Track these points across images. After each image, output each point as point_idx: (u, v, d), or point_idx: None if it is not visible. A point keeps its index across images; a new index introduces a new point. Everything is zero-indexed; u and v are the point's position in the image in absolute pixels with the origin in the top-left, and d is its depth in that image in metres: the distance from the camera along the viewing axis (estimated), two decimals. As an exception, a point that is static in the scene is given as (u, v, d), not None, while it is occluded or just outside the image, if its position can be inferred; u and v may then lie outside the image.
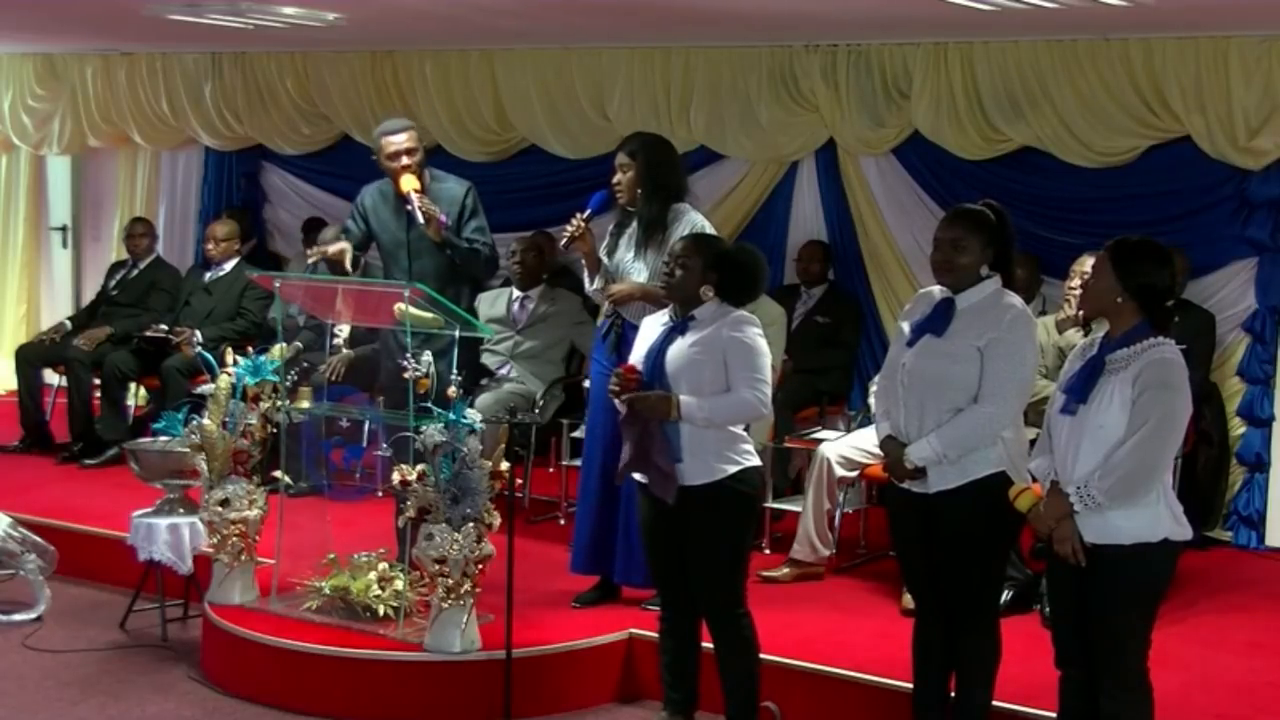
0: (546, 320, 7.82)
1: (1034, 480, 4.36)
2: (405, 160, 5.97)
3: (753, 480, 4.80)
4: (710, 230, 5.65)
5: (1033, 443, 4.46)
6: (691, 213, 5.75)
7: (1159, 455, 4.02)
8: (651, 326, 4.90)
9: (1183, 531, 4.14)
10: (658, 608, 5.11)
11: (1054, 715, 4.43)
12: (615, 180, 5.80)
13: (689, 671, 4.96)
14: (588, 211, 5.85)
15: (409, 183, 5.94)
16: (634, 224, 5.77)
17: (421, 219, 5.91)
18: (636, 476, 4.82)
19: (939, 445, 4.40)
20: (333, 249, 6.07)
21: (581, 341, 7.85)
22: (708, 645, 4.93)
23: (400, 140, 6.00)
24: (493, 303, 7.89)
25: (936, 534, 4.50)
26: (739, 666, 4.84)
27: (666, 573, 4.89)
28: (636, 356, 4.84)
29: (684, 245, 4.85)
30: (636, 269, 5.73)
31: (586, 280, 5.97)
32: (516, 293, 7.94)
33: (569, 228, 5.78)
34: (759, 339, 4.73)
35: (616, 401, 4.77)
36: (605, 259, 5.87)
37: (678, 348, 4.72)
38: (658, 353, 4.74)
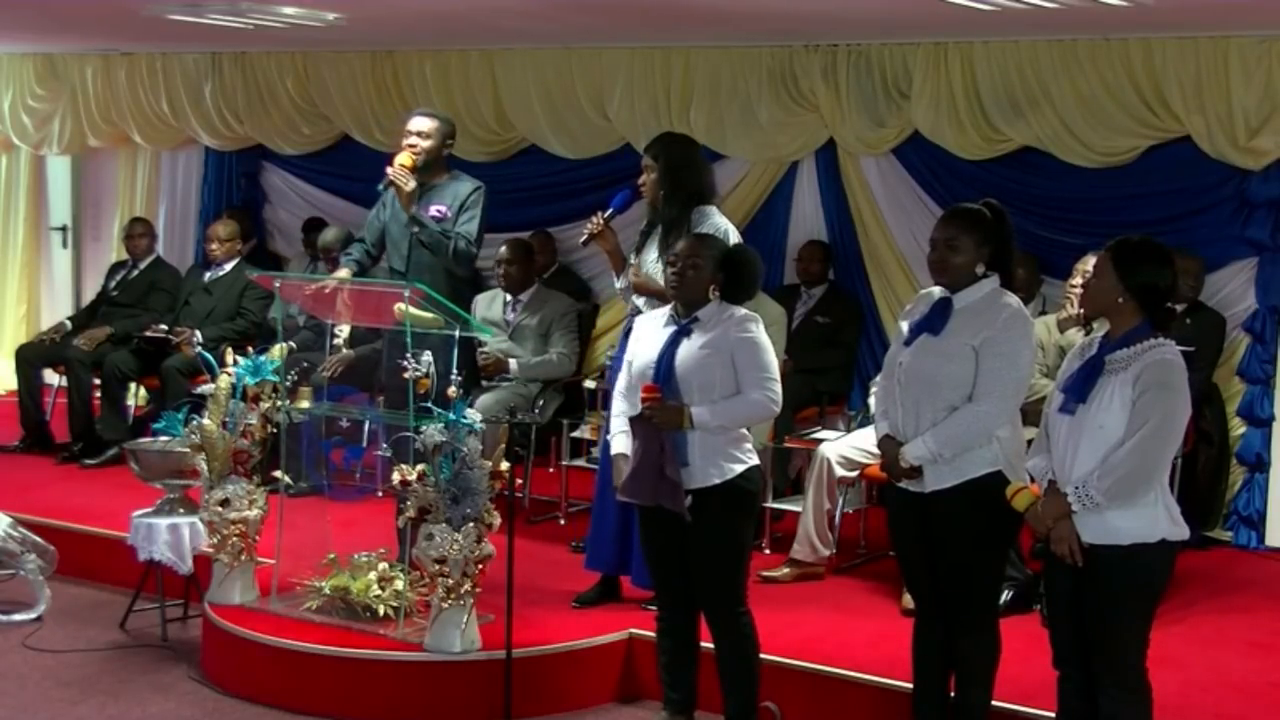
0: (534, 324, 7.74)
1: (1031, 480, 4.36)
2: (412, 140, 6.05)
3: (755, 478, 4.82)
4: (735, 233, 5.67)
5: (1031, 442, 4.46)
6: (715, 215, 5.77)
7: (1158, 456, 4.03)
8: (649, 328, 4.90)
9: (1180, 532, 4.14)
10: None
11: (1053, 715, 4.43)
12: (640, 181, 5.85)
13: (688, 671, 4.96)
14: (609, 211, 5.88)
15: (400, 158, 6.00)
16: (659, 225, 5.80)
17: (383, 184, 5.98)
18: (631, 499, 4.84)
19: (934, 444, 4.40)
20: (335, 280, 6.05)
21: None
22: (707, 645, 4.93)
23: (414, 123, 6.10)
24: (489, 304, 7.85)
25: (934, 534, 4.50)
26: (739, 666, 4.84)
27: (666, 572, 4.89)
28: (640, 359, 4.83)
29: (691, 246, 4.84)
30: (658, 270, 5.74)
31: (615, 279, 6.03)
32: (508, 296, 7.91)
33: (589, 225, 5.84)
34: (764, 336, 4.76)
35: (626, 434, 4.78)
36: (633, 258, 5.88)
37: (687, 350, 4.72)
38: (667, 356, 4.73)
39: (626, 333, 5.85)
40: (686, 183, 5.76)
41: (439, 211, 6.03)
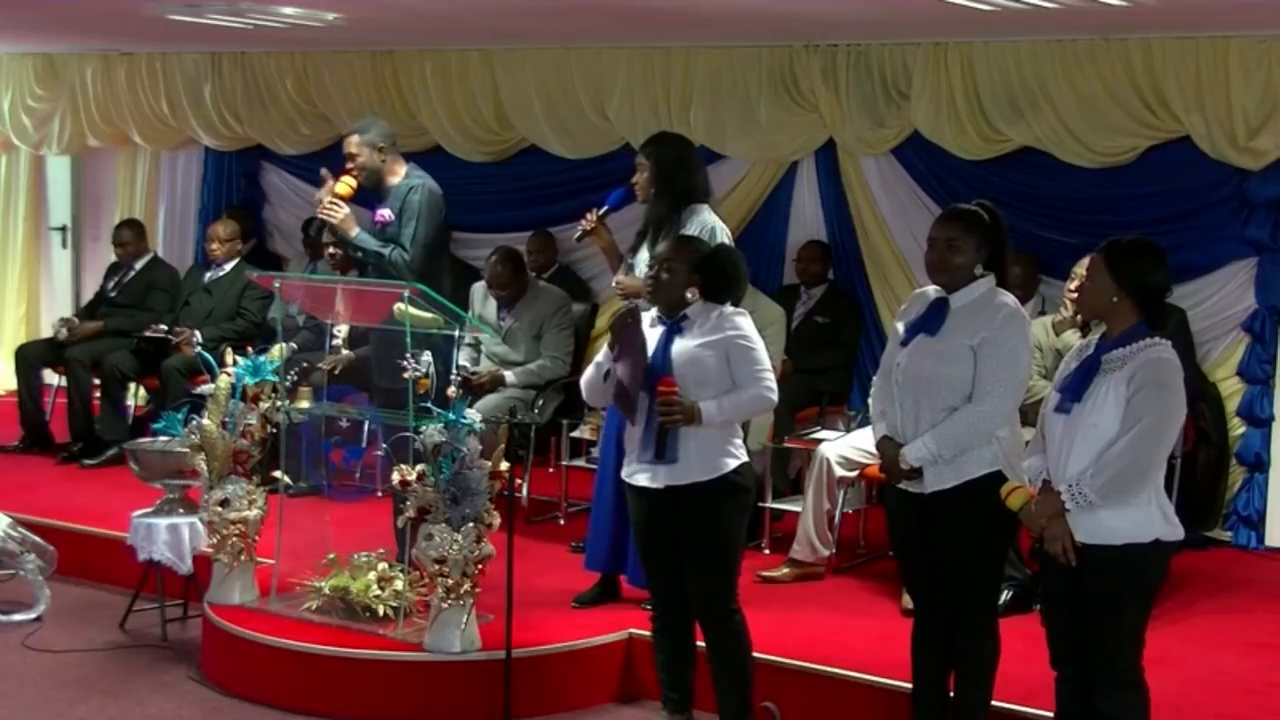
0: (525, 326, 7.63)
1: (1029, 480, 4.36)
2: (350, 165, 6.04)
3: (748, 474, 4.85)
4: (724, 231, 5.69)
5: (1029, 443, 4.47)
6: (704, 213, 5.77)
7: (1152, 454, 4.03)
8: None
9: (1174, 532, 4.14)
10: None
11: (1052, 715, 4.43)
12: (634, 179, 5.86)
13: (685, 670, 4.97)
14: (604, 208, 5.89)
15: (337, 187, 6.00)
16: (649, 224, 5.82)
17: (316, 224, 5.97)
18: (632, 479, 4.86)
19: (933, 445, 4.40)
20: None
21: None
22: (703, 644, 4.94)
23: (346, 146, 6.08)
24: (484, 301, 7.78)
25: (934, 534, 4.51)
26: (732, 665, 4.85)
27: (660, 571, 4.90)
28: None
29: (668, 249, 4.91)
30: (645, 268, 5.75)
31: (612, 277, 6.05)
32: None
33: (584, 222, 5.86)
34: (754, 330, 4.79)
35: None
36: (629, 257, 5.89)
37: (681, 347, 4.75)
38: (662, 354, 4.75)
39: None
40: (676, 182, 5.76)
41: (383, 216, 6.02)
